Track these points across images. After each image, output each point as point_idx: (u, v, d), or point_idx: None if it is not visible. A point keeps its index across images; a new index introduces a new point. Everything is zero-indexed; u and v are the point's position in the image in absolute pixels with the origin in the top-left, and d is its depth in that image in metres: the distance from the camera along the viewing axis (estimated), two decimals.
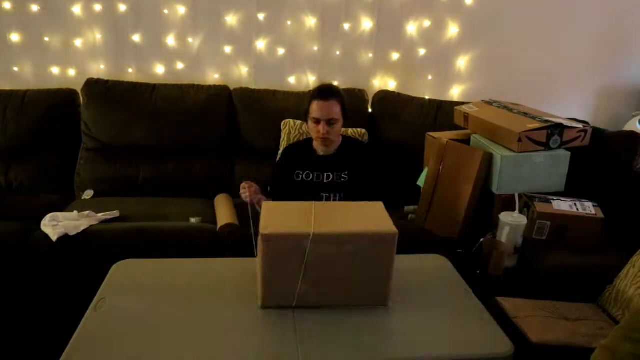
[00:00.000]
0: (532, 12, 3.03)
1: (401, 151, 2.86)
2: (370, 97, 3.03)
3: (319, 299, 1.48)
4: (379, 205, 1.60)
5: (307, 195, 2.18)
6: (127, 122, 2.78)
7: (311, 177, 2.24)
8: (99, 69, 2.97)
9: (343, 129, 2.75)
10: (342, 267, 1.46)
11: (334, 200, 2.21)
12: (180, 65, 3.01)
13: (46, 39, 2.89)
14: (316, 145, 2.31)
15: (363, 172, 2.25)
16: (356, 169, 2.25)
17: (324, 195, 2.20)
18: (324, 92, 2.20)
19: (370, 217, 1.55)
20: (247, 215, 2.04)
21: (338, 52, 3.04)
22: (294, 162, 2.28)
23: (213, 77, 3.05)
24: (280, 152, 2.72)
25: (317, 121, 2.19)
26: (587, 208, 2.28)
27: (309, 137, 2.39)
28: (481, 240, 2.14)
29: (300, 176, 2.25)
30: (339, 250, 1.44)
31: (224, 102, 2.88)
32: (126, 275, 1.66)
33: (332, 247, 1.43)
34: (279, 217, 1.52)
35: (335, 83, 3.06)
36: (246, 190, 2.06)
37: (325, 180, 2.23)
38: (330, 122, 2.18)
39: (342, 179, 2.23)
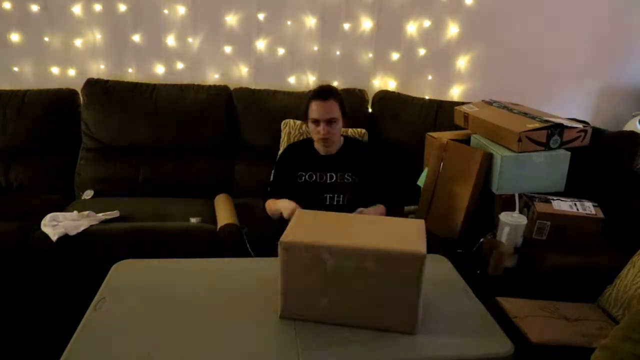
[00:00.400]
0: (532, 12, 3.03)
1: (401, 151, 2.86)
2: (370, 97, 3.03)
3: (341, 318, 1.41)
4: (419, 224, 1.52)
5: (311, 197, 2.17)
6: (127, 122, 2.78)
7: (314, 177, 2.24)
8: (99, 69, 2.97)
9: (343, 129, 2.76)
10: (362, 285, 1.37)
11: (338, 201, 2.20)
12: (180, 65, 3.01)
13: (46, 39, 2.89)
14: (317, 145, 2.30)
15: (367, 172, 2.25)
16: (360, 169, 2.24)
17: (328, 196, 2.19)
18: (322, 92, 2.20)
19: (403, 234, 1.46)
20: (249, 216, 2.06)
21: (338, 52, 3.04)
22: (296, 162, 2.27)
23: (213, 77, 3.05)
24: (280, 152, 2.72)
25: (317, 122, 2.18)
26: (587, 208, 2.28)
27: (309, 137, 2.39)
28: (481, 240, 2.14)
29: (303, 177, 2.24)
30: (359, 266, 1.35)
31: (224, 102, 2.88)
32: (126, 275, 1.66)
33: (352, 262, 1.36)
34: (306, 225, 1.47)
35: (335, 83, 3.07)
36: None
37: (328, 181, 2.23)
38: (330, 122, 2.17)
39: (346, 180, 2.23)
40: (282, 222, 2.06)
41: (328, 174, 2.24)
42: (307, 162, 2.26)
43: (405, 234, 1.46)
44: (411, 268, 1.34)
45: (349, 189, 2.20)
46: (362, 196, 2.17)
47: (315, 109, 2.18)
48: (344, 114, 2.24)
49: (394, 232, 1.48)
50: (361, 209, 2.10)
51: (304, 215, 1.55)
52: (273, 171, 2.47)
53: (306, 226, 1.47)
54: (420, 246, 1.36)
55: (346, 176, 2.23)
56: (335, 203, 2.18)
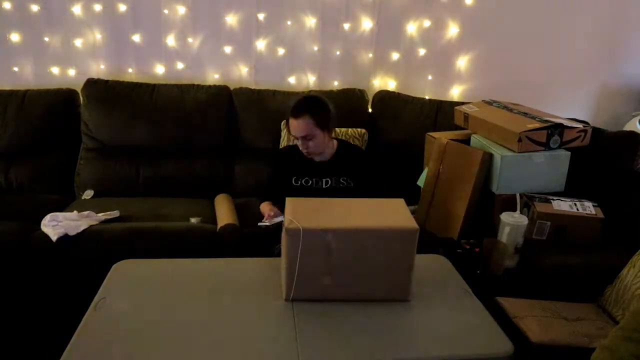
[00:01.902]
0: (532, 12, 3.03)
1: (401, 151, 2.86)
2: (370, 97, 3.03)
3: (343, 293, 1.53)
4: (400, 202, 1.64)
5: None
6: (127, 122, 2.78)
7: (310, 182, 2.22)
8: (99, 69, 2.97)
9: (343, 129, 2.76)
10: (362, 261, 1.50)
11: None
12: (180, 65, 3.01)
13: (46, 39, 2.89)
14: None
15: (362, 176, 2.24)
16: (354, 173, 2.23)
17: None
18: (295, 109, 2.14)
19: (391, 212, 1.58)
20: (251, 216, 2.05)
21: (338, 52, 3.04)
22: (290, 167, 2.24)
23: (213, 77, 3.05)
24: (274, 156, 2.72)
25: (296, 138, 2.17)
26: (587, 208, 2.28)
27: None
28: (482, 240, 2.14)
29: (299, 181, 2.22)
30: (361, 245, 1.48)
31: (224, 102, 2.88)
32: (126, 275, 1.66)
33: (353, 242, 1.48)
34: (302, 212, 1.54)
35: (335, 83, 3.07)
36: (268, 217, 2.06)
37: (324, 186, 2.21)
38: (305, 138, 2.13)
39: (341, 184, 2.22)
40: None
41: (323, 179, 2.21)
42: (301, 167, 2.23)
43: (392, 212, 1.59)
44: (406, 242, 1.49)
45: (344, 193, 2.18)
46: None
47: (290, 126, 2.15)
48: (323, 125, 2.14)
49: (382, 211, 1.60)
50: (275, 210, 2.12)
51: (296, 203, 1.61)
52: (268, 176, 2.44)
53: (303, 213, 1.53)
54: (412, 222, 1.51)
55: (341, 180, 2.21)
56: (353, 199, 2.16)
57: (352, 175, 2.22)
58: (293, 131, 2.14)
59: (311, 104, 2.17)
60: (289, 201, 1.62)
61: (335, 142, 2.29)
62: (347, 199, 1.69)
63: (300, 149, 2.17)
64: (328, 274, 1.50)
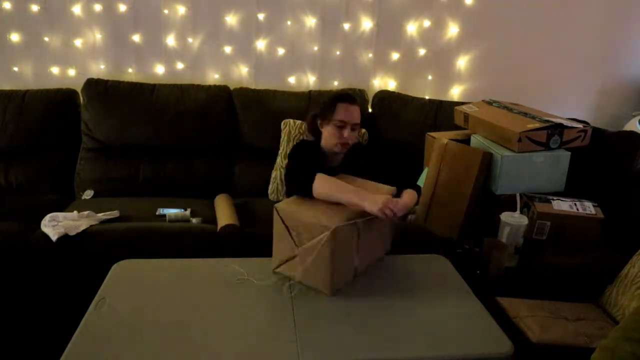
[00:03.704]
0: (532, 12, 3.03)
1: (401, 151, 2.86)
2: (370, 97, 3.03)
3: (364, 267, 1.73)
4: (369, 182, 1.87)
5: None
6: (127, 122, 2.78)
7: None
8: (99, 69, 2.97)
9: None
10: (373, 234, 1.73)
11: None
12: (180, 65, 3.01)
13: (46, 39, 2.89)
14: (330, 150, 2.15)
15: (374, 170, 2.16)
16: (366, 170, 2.14)
17: None
18: (350, 96, 2.12)
19: (375, 188, 1.80)
20: (251, 216, 2.00)
21: (338, 52, 3.04)
22: (311, 161, 2.15)
23: (213, 77, 3.05)
24: (282, 150, 2.71)
25: (342, 125, 2.06)
26: (587, 208, 2.28)
27: (311, 140, 2.30)
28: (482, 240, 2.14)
29: None
30: (371, 223, 1.68)
31: (224, 102, 2.88)
32: (126, 275, 1.66)
33: (371, 222, 1.67)
34: (321, 211, 1.64)
35: (335, 83, 3.07)
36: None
37: None
38: (354, 127, 2.08)
39: None
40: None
41: None
42: (315, 168, 2.13)
43: (374, 187, 1.82)
44: None
45: None
46: None
47: (342, 111, 2.06)
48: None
49: (370, 188, 1.80)
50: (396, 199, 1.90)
51: (288, 204, 1.71)
52: (294, 162, 2.16)
53: (319, 208, 1.66)
54: (389, 189, 1.82)
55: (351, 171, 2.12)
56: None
57: (364, 172, 2.14)
58: (346, 116, 2.05)
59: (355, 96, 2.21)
60: (279, 206, 1.69)
61: None
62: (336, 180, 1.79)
63: (343, 137, 2.06)
64: (357, 253, 1.66)
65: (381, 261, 1.82)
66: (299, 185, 1.87)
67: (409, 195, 1.94)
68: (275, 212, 1.66)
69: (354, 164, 2.16)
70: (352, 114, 2.07)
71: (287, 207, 1.67)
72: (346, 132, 2.05)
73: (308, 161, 2.05)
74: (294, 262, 1.63)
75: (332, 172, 2.00)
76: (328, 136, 2.09)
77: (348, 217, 1.61)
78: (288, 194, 2.02)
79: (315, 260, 1.57)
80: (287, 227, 1.63)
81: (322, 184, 1.77)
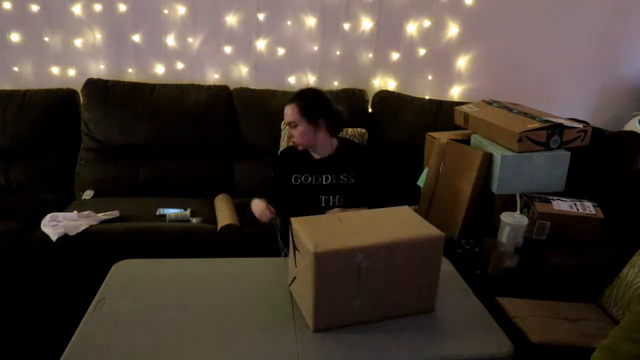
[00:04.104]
0: (532, 12, 3.03)
1: (401, 151, 2.86)
2: (370, 97, 3.03)
3: (371, 315, 1.44)
4: (406, 210, 1.59)
5: (306, 198, 2.17)
6: (127, 122, 2.78)
7: (310, 179, 2.22)
8: (99, 69, 2.97)
9: (344, 129, 2.75)
10: (392, 277, 1.42)
11: (334, 202, 2.20)
12: (180, 65, 3.01)
13: (46, 39, 2.89)
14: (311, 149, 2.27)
15: (364, 173, 2.23)
16: (356, 170, 2.23)
17: (323, 197, 2.18)
18: (291, 97, 2.21)
19: (406, 222, 1.52)
20: (251, 216, 2.04)
21: (338, 52, 3.04)
22: (290, 166, 2.25)
23: (213, 77, 3.05)
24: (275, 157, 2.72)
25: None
26: (587, 208, 2.28)
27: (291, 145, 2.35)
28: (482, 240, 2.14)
29: (299, 180, 2.22)
30: (389, 260, 1.40)
31: (224, 102, 2.88)
32: (126, 275, 1.66)
33: (383, 258, 1.39)
34: (317, 232, 1.40)
35: (335, 83, 3.07)
36: (267, 213, 2.08)
37: (324, 183, 2.22)
38: (290, 125, 2.17)
39: (342, 181, 2.22)
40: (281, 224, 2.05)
41: (323, 176, 2.22)
42: (301, 165, 2.24)
43: (406, 221, 1.53)
44: (435, 250, 1.47)
45: (344, 189, 2.19)
46: (357, 196, 2.16)
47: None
48: (309, 116, 2.13)
49: (397, 221, 1.52)
50: (336, 209, 2.08)
51: (304, 223, 1.48)
52: (272, 179, 2.39)
53: (319, 233, 1.40)
54: (434, 229, 1.47)
55: (341, 177, 2.20)
56: (330, 204, 2.18)
57: (353, 171, 2.21)
58: (285, 117, 2.19)
59: (302, 94, 2.21)
60: (295, 222, 1.47)
61: (335, 140, 2.26)
62: (351, 214, 1.63)
63: (287, 137, 2.24)
64: (357, 296, 1.40)
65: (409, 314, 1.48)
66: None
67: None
68: (289, 225, 1.50)
69: (344, 158, 2.20)
70: (286, 114, 2.18)
71: (299, 223, 1.47)
72: (287, 131, 2.24)
73: (276, 180, 2.28)
74: (295, 284, 1.51)
75: (319, 164, 2.11)
76: None
77: (345, 247, 1.35)
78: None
79: (305, 285, 1.40)
80: (294, 244, 1.48)
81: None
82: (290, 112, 2.15)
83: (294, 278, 1.50)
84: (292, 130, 2.17)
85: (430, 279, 1.47)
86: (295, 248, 1.46)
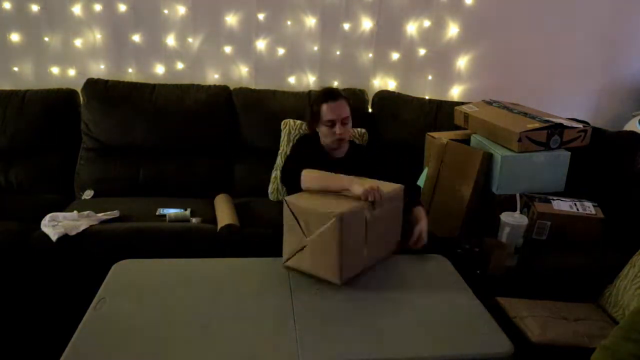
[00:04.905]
0: (532, 12, 3.03)
1: (401, 151, 2.86)
2: (370, 97, 3.03)
3: (374, 259, 1.75)
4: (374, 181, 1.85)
5: None
6: (127, 122, 2.78)
7: None
8: (99, 69, 2.97)
9: None
10: (384, 221, 1.75)
11: None
12: (180, 65, 3.01)
13: (46, 39, 2.89)
14: (329, 148, 2.23)
15: (374, 172, 2.19)
16: (367, 170, 2.18)
17: None
18: (331, 94, 2.19)
19: (381, 185, 1.79)
20: (251, 216, 2.01)
21: (338, 52, 3.04)
22: (311, 158, 2.17)
23: (213, 77, 3.05)
24: (282, 150, 2.71)
25: (332, 123, 2.14)
26: (587, 208, 2.28)
27: (311, 136, 2.33)
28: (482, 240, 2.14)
29: None
30: (380, 211, 1.70)
31: (224, 102, 2.88)
32: (126, 275, 1.66)
33: (378, 210, 1.70)
34: (323, 198, 1.72)
35: (335, 83, 3.07)
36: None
37: None
38: (343, 122, 2.15)
39: None
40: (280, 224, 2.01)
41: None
42: (316, 163, 2.19)
43: (381, 184, 1.80)
44: (399, 200, 1.86)
45: None
46: None
47: (328, 111, 2.14)
48: (351, 113, 2.21)
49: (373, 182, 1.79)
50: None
51: (299, 199, 1.75)
52: (287, 160, 2.29)
53: (327, 199, 1.71)
54: (397, 185, 1.84)
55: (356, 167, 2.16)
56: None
57: (364, 172, 2.18)
58: (333, 114, 2.13)
59: (338, 91, 2.24)
60: (290, 200, 1.71)
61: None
62: (338, 176, 1.83)
63: (337, 134, 2.14)
64: (365, 243, 1.67)
65: (389, 258, 1.83)
66: (289, 182, 2.07)
67: (420, 213, 2.01)
68: (285, 205, 1.69)
69: (357, 159, 2.19)
70: (337, 110, 2.14)
71: (296, 199, 1.71)
72: (337, 129, 2.14)
73: (302, 158, 2.14)
74: (303, 254, 1.66)
75: (335, 164, 2.09)
76: (323, 136, 2.20)
77: (355, 206, 1.63)
78: (288, 192, 2.08)
79: (324, 249, 1.59)
80: (296, 218, 1.65)
81: (309, 177, 1.92)
82: (344, 107, 2.15)
83: (302, 248, 1.66)
84: (345, 125, 2.15)
85: (398, 222, 1.87)
86: (297, 222, 1.65)
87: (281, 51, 3.02)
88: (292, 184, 2.01)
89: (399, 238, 1.87)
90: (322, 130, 2.19)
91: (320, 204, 1.64)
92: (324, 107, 2.15)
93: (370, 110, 3.01)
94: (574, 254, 2.17)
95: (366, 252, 1.69)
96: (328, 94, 2.19)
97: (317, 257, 1.63)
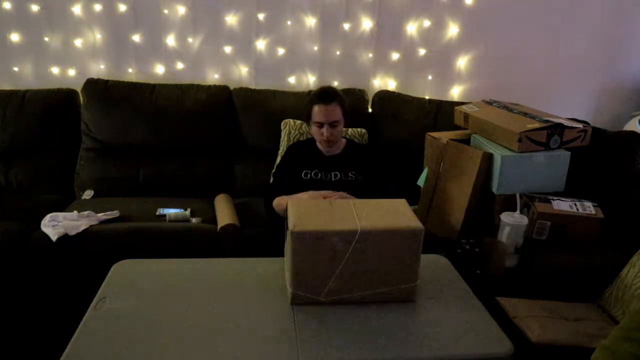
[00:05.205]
0: (532, 12, 3.03)
1: (401, 151, 2.86)
2: (370, 97, 3.03)
3: (348, 295, 1.51)
4: (402, 202, 1.61)
5: None
6: (127, 122, 2.78)
7: (319, 176, 2.26)
8: (99, 69, 2.97)
9: (343, 129, 2.76)
10: (370, 262, 1.48)
11: None
12: (180, 65, 3.01)
13: (46, 39, 2.89)
14: (321, 147, 2.32)
15: (371, 171, 2.25)
16: (363, 167, 2.25)
17: None
18: (325, 95, 2.23)
19: (394, 213, 1.55)
20: (251, 216, 2.04)
21: (338, 52, 3.04)
22: (301, 160, 2.30)
23: (213, 77, 3.05)
24: (282, 150, 2.72)
25: (320, 125, 2.23)
26: (587, 208, 2.28)
27: (310, 137, 2.40)
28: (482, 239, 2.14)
29: (309, 175, 2.26)
30: (366, 245, 1.46)
31: (224, 102, 2.88)
32: (126, 275, 1.66)
33: (361, 243, 1.46)
34: (306, 214, 1.51)
35: (335, 83, 3.07)
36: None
37: (332, 179, 2.24)
38: (332, 125, 2.21)
39: (350, 178, 2.24)
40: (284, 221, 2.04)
41: (332, 173, 2.26)
42: (311, 161, 2.28)
43: (395, 212, 1.55)
44: (412, 241, 1.47)
45: (352, 186, 2.21)
46: (365, 194, 2.17)
47: (318, 112, 2.22)
48: (345, 115, 2.28)
49: (385, 211, 1.56)
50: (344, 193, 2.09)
51: (299, 205, 1.60)
52: (275, 170, 2.47)
53: (307, 215, 1.51)
54: (416, 221, 1.49)
55: (350, 174, 2.25)
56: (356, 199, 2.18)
57: (360, 169, 2.25)
58: (322, 117, 2.20)
59: (337, 93, 2.28)
60: (291, 203, 1.59)
61: (344, 139, 2.38)
62: (348, 200, 1.68)
63: (324, 136, 2.22)
64: (333, 276, 1.48)
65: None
66: (266, 196, 2.22)
67: None
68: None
69: (352, 156, 2.23)
70: (327, 114, 2.19)
71: (294, 204, 1.59)
72: (325, 131, 2.21)
73: (285, 173, 2.28)
74: (285, 257, 1.63)
75: (330, 161, 2.14)
76: (313, 134, 2.31)
77: (332, 229, 1.44)
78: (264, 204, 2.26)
79: (287, 260, 1.54)
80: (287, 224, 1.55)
81: (276, 204, 2.07)
82: (334, 111, 2.19)
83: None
84: (334, 128, 2.20)
85: (407, 269, 1.51)
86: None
87: (281, 51, 3.02)
88: (267, 200, 2.18)
89: (411, 285, 1.54)
90: (313, 129, 2.28)
91: (299, 215, 1.51)
92: (315, 108, 2.21)
93: (370, 110, 3.01)
94: (574, 254, 2.17)
95: (334, 285, 1.49)
96: (321, 95, 2.24)
97: (287, 266, 1.54)
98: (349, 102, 2.83)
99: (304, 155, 2.31)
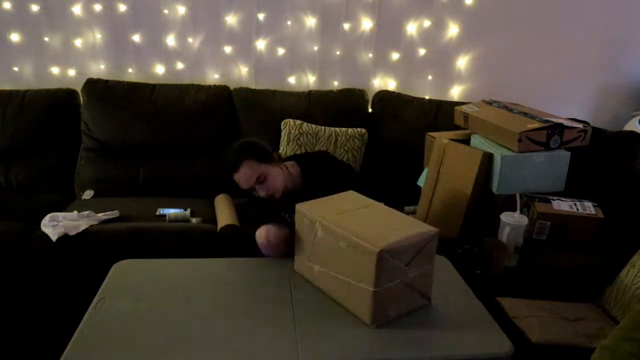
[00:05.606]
0: (532, 12, 3.03)
1: (401, 151, 2.86)
2: (370, 97, 3.03)
3: (325, 286, 1.57)
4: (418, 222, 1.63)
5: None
6: (127, 122, 2.78)
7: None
8: (99, 69, 2.97)
9: (343, 129, 2.76)
10: (339, 261, 1.49)
11: None
12: (180, 65, 3.01)
13: (46, 39, 2.89)
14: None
15: (329, 176, 2.03)
16: (328, 183, 1.96)
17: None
18: (232, 164, 1.96)
19: (391, 227, 1.50)
20: (248, 216, 1.98)
21: (338, 52, 3.04)
22: (274, 206, 2.05)
23: (213, 77, 3.05)
24: (282, 150, 2.71)
25: (252, 189, 1.98)
26: (587, 208, 2.28)
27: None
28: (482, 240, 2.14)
29: (287, 215, 2.00)
30: (336, 243, 1.47)
31: (224, 102, 2.88)
32: (126, 275, 1.66)
33: (332, 239, 1.49)
34: (328, 204, 1.66)
35: (335, 83, 3.07)
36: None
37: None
38: (259, 182, 1.95)
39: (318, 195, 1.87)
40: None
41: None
42: (279, 205, 2.02)
43: (394, 227, 1.50)
44: (368, 261, 1.36)
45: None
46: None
47: (238, 182, 1.97)
48: (266, 159, 1.98)
49: (387, 224, 1.54)
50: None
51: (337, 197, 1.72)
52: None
53: (327, 204, 1.65)
54: (383, 242, 1.35)
55: (317, 193, 1.83)
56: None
57: (326, 183, 1.96)
58: (243, 185, 1.96)
59: (240, 151, 2.00)
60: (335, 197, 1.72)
61: (296, 165, 2.09)
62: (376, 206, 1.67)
63: (264, 195, 1.96)
64: (313, 260, 1.59)
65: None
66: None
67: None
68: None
69: (313, 180, 2.03)
70: (244, 181, 1.94)
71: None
72: (259, 192, 1.97)
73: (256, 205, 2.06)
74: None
75: (298, 198, 1.83)
76: None
77: (323, 216, 1.53)
78: None
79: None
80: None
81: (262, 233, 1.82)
82: (249, 172, 1.92)
83: None
84: (265, 184, 1.94)
85: (366, 288, 1.41)
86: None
87: (281, 51, 3.02)
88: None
89: (369, 304, 1.42)
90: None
91: (318, 203, 1.68)
92: (235, 178, 1.97)
93: (370, 110, 3.01)
94: (574, 254, 2.17)
95: (316, 270, 1.57)
96: (230, 165, 1.97)
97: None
98: (349, 102, 2.83)
99: (272, 202, 2.03)
